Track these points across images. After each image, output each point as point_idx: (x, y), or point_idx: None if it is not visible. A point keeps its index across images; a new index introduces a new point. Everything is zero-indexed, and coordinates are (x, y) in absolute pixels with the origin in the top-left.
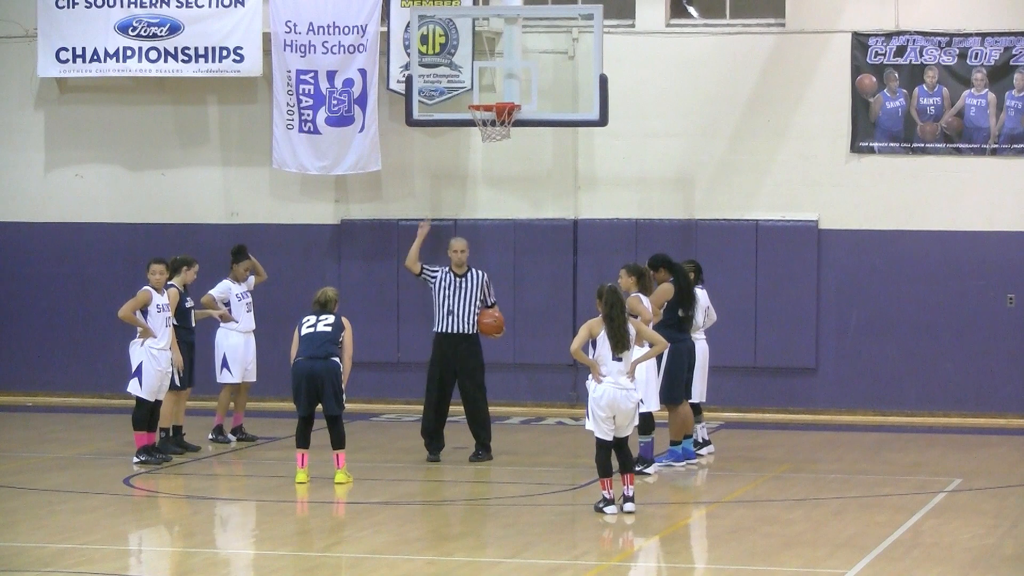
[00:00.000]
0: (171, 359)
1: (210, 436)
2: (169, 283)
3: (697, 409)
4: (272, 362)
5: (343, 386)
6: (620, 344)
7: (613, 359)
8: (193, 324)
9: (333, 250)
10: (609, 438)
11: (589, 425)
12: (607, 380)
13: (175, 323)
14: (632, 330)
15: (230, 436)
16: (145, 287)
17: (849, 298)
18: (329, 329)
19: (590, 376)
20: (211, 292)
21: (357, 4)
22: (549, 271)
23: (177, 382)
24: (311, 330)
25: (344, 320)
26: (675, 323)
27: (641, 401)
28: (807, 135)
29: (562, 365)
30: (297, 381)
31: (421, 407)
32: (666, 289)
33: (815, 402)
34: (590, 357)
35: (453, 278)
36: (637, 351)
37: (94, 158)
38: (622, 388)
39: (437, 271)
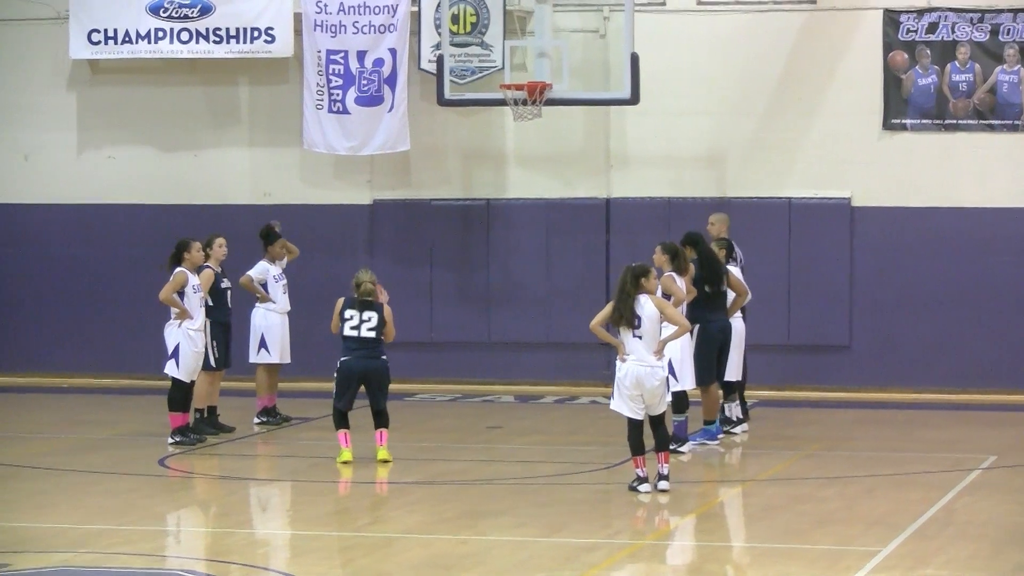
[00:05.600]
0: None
1: (258, 420)
2: (205, 264)
3: (731, 387)
4: (306, 343)
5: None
6: (622, 320)
7: (634, 336)
8: (230, 304)
9: (366, 231)
10: (639, 416)
11: (614, 405)
12: (631, 358)
13: (210, 303)
14: (652, 309)
15: (281, 415)
16: (180, 268)
17: (882, 276)
18: (373, 334)
19: (618, 356)
20: (249, 273)
21: None
22: (582, 250)
23: (213, 363)
24: (355, 332)
25: (386, 312)
26: (705, 302)
27: (673, 378)
28: (839, 113)
29: (595, 344)
30: (347, 378)
31: (454, 387)
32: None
33: (848, 380)
34: (618, 337)
35: None
36: (668, 329)
37: (126, 139)
38: (646, 365)
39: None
